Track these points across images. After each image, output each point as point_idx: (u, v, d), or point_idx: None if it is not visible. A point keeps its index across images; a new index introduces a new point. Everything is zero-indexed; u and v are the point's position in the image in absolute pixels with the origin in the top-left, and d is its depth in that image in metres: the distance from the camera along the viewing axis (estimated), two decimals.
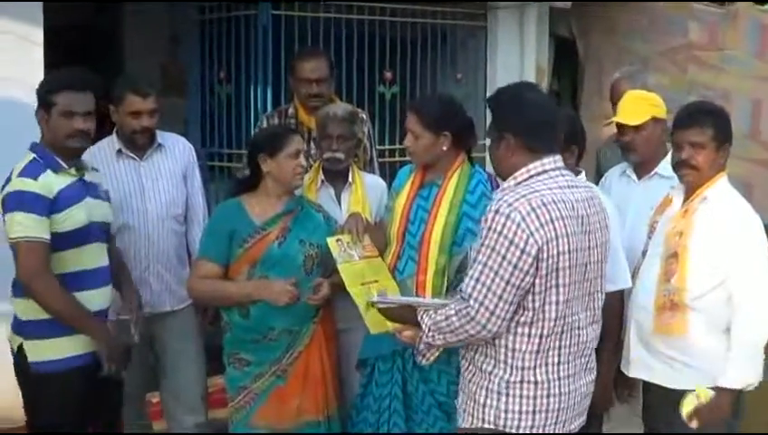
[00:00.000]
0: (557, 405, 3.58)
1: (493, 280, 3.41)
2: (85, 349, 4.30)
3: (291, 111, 5.78)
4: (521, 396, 3.54)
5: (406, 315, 3.79)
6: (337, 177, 5.10)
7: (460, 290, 3.57)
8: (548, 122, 3.66)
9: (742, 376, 4.03)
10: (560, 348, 3.57)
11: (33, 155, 4.24)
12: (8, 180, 4.21)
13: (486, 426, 3.59)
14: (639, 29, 8.69)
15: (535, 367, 3.54)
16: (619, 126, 4.91)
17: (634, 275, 4.38)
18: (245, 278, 4.59)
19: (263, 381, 4.60)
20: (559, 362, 3.58)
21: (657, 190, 4.59)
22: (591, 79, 8.88)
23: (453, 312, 3.51)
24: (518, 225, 3.38)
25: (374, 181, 5.30)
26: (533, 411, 3.55)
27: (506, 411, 3.55)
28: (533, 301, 3.48)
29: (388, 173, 6.50)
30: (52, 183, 4.16)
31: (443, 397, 4.41)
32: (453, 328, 3.51)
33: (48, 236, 4.12)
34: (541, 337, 3.52)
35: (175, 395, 5.28)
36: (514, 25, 8.39)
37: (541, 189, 3.49)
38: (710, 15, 8.42)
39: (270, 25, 7.00)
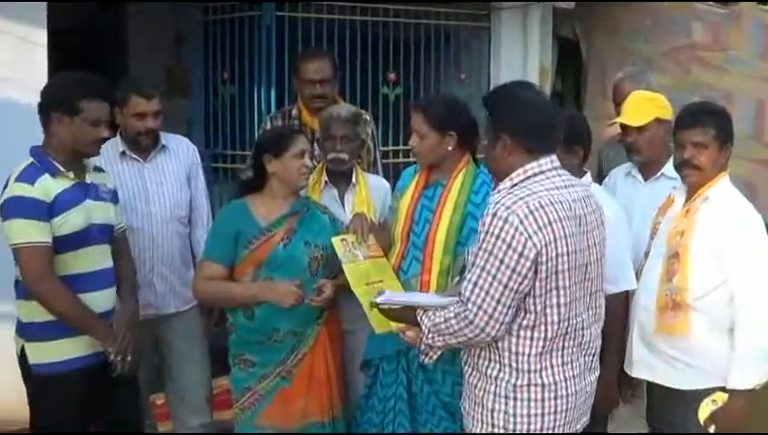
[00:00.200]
0: (564, 406, 3.58)
1: (491, 284, 3.40)
2: (87, 350, 4.30)
3: (294, 112, 5.78)
4: (529, 399, 3.53)
5: (407, 316, 3.77)
6: (340, 178, 5.10)
7: (459, 293, 3.56)
8: (545, 122, 3.65)
9: (749, 377, 4.03)
10: (563, 349, 3.57)
11: (32, 159, 4.23)
12: (6, 185, 4.20)
13: (496, 431, 3.58)
14: (643, 29, 8.69)
15: (541, 369, 3.53)
16: (623, 126, 4.91)
17: (637, 276, 4.38)
18: (250, 280, 4.58)
19: (267, 383, 4.59)
20: (564, 364, 3.57)
21: (664, 192, 4.57)
22: (595, 79, 8.88)
23: (452, 314, 3.50)
24: (516, 228, 3.36)
25: (378, 182, 5.30)
26: (542, 414, 3.54)
27: (515, 415, 3.54)
28: (535, 304, 3.47)
29: (392, 174, 6.52)
30: (49, 187, 4.15)
31: (447, 397, 4.41)
32: (452, 331, 3.50)
33: (49, 240, 4.13)
34: (545, 340, 3.51)
35: (179, 396, 5.28)
36: (518, 26, 8.40)
37: (538, 191, 3.47)
38: (713, 16, 8.42)
39: (274, 26, 7.00)
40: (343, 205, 5.07)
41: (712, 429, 4.06)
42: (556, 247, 3.41)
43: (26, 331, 4.29)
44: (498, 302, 3.40)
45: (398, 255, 4.58)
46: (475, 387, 3.64)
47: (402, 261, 4.55)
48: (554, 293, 3.47)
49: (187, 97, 8.13)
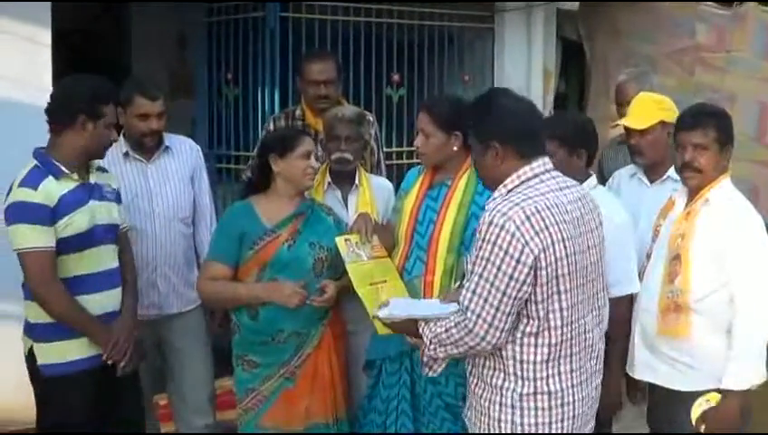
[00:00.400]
0: (572, 413, 3.55)
1: (489, 292, 3.37)
2: (92, 351, 4.32)
3: (298, 112, 5.78)
4: (536, 408, 3.49)
5: (409, 327, 3.73)
6: (344, 179, 5.10)
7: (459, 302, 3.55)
8: (531, 125, 3.64)
9: (745, 377, 4.02)
10: (571, 356, 3.53)
11: (35, 162, 4.24)
12: (10, 189, 4.21)
13: None
14: (646, 31, 8.69)
15: (548, 377, 3.49)
16: (627, 128, 4.91)
17: (640, 279, 4.39)
18: (255, 280, 4.58)
19: (271, 383, 4.59)
20: (572, 371, 3.54)
21: (669, 194, 4.57)
22: (598, 80, 8.89)
23: (453, 324, 3.47)
24: (513, 235, 3.33)
25: (381, 183, 5.30)
26: (550, 423, 3.50)
27: (522, 425, 3.50)
28: (537, 310, 3.43)
29: (396, 175, 6.52)
30: (53, 190, 4.15)
31: (450, 398, 4.41)
32: (453, 340, 3.46)
33: (53, 244, 4.14)
34: (549, 346, 3.47)
35: (182, 397, 5.28)
36: (521, 27, 8.41)
37: (533, 195, 3.44)
38: (717, 17, 8.43)
39: (277, 27, 7.00)
40: (347, 206, 5.06)
41: (702, 428, 4.06)
42: (555, 251, 3.39)
43: (34, 331, 4.31)
44: (497, 309, 3.37)
45: (402, 255, 4.59)
46: (481, 397, 3.60)
47: (406, 261, 4.56)
48: (556, 297, 3.44)
49: (190, 98, 8.14)
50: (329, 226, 4.74)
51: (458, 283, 4.28)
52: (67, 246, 4.20)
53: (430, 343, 3.55)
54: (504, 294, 3.36)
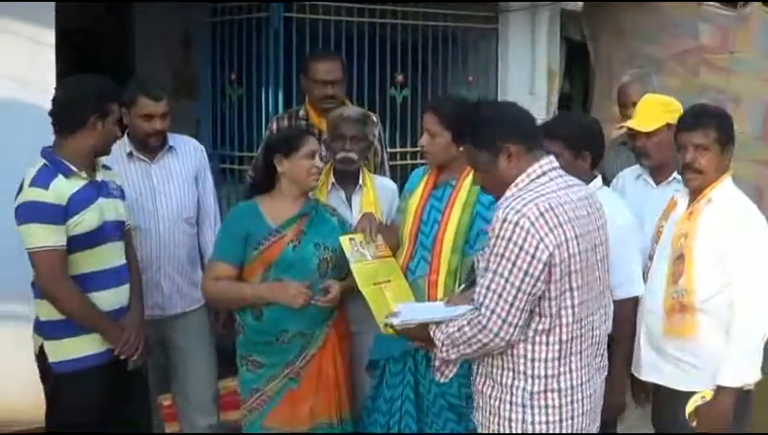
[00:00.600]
0: (581, 410, 3.57)
1: (504, 287, 3.38)
2: (102, 347, 4.36)
3: (301, 112, 5.78)
4: (546, 406, 3.51)
5: (421, 333, 3.72)
6: (347, 179, 5.09)
7: (472, 299, 3.55)
8: (530, 120, 3.72)
9: (739, 374, 4.04)
10: (581, 353, 3.56)
11: (44, 161, 4.26)
12: (21, 189, 4.24)
13: None
14: (650, 32, 8.69)
15: (558, 374, 3.51)
16: (632, 130, 4.90)
17: (644, 280, 4.38)
18: (260, 280, 4.58)
19: (276, 384, 4.58)
20: (581, 368, 3.57)
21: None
22: (602, 81, 8.88)
23: (465, 322, 3.47)
24: (527, 231, 3.35)
25: (385, 184, 5.29)
26: (560, 420, 3.52)
27: (533, 423, 3.51)
28: (550, 307, 3.45)
29: (399, 176, 6.51)
30: (63, 189, 4.19)
31: (454, 399, 4.40)
32: (466, 338, 3.46)
33: (64, 243, 4.18)
34: (560, 343, 3.50)
35: (186, 397, 5.28)
36: (526, 28, 8.40)
37: (546, 193, 3.47)
38: (721, 18, 8.42)
39: (281, 28, 7.00)
40: (350, 206, 5.06)
41: (694, 423, 4.08)
42: (568, 248, 3.41)
43: (44, 329, 4.34)
44: (512, 305, 3.38)
45: (406, 255, 4.58)
46: (490, 397, 3.60)
47: (410, 261, 4.56)
48: (568, 294, 3.46)
49: (194, 98, 8.15)
50: (333, 226, 4.73)
51: (462, 286, 4.29)
52: (77, 243, 4.23)
53: (442, 344, 3.55)
54: (518, 289, 3.37)
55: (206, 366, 5.26)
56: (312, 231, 4.64)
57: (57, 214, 4.15)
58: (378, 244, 4.63)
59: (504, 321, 3.39)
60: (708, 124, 4.18)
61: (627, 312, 4.28)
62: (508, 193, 3.55)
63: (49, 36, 5.78)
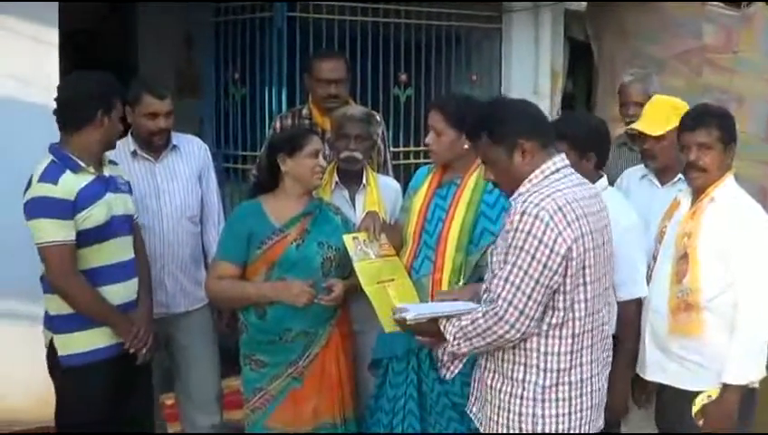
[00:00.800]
0: (589, 403, 3.62)
1: (522, 279, 3.42)
2: (111, 340, 4.40)
3: (305, 111, 5.78)
4: (557, 399, 3.55)
5: (430, 328, 3.74)
6: (351, 179, 5.09)
7: (487, 291, 3.59)
8: (543, 116, 3.81)
9: (744, 372, 4.04)
10: (591, 346, 3.61)
11: (52, 157, 4.29)
12: (29, 184, 4.27)
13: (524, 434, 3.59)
14: (654, 31, 8.68)
15: (570, 368, 3.56)
16: (639, 132, 4.88)
17: (648, 280, 4.38)
18: (263, 279, 4.57)
19: (279, 383, 4.58)
20: (591, 361, 3.62)
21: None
22: (605, 81, 8.88)
23: (480, 314, 3.50)
24: (546, 224, 3.40)
25: (388, 183, 5.30)
26: (569, 413, 3.57)
27: (543, 417, 3.55)
28: (565, 300, 3.50)
29: (402, 175, 6.51)
30: (71, 185, 4.22)
31: (457, 398, 4.38)
32: (480, 331, 3.50)
33: (73, 237, 4.23)
34: (573, 337, 3.54)
35: (189, 395, 5.29)
36: (529, 27, 8.40)
37: (561, 189, 3.53)
38: (725, 18, 8.41)
39: (285, 27, 7.00)
40: (354, 206, 5.06)
41: (701, 422, 4.09)
42: (583, 243, 3.47)
43: (54, 324, 4.38)
44: (529, 297, 3.42)
45: (410, 254, 4.57)
46: (500, 391, 3.63)
47: (414, 260, 4.55)
48: (581, 289, 3.52)
49: (197, 97, 8.14)
50: (337, 225, 4.73)
51: (462, 282, 4.30)
52: (86, 238, 4.28)
53: (454, 338, 3.58)
54: (536, 282, 3.42)
55: (209, 365, 5.26)
56: (315, 230, 4.64)
57: (66, 209, 4.19)
58: (381, 243, 4.63)
59: (521, 313, 3.43)
60: (711, 123, 4.20)
61: (630, 313, 4.29)
62: (522, 189, 3.59)
63: (52, 35, 5.78)
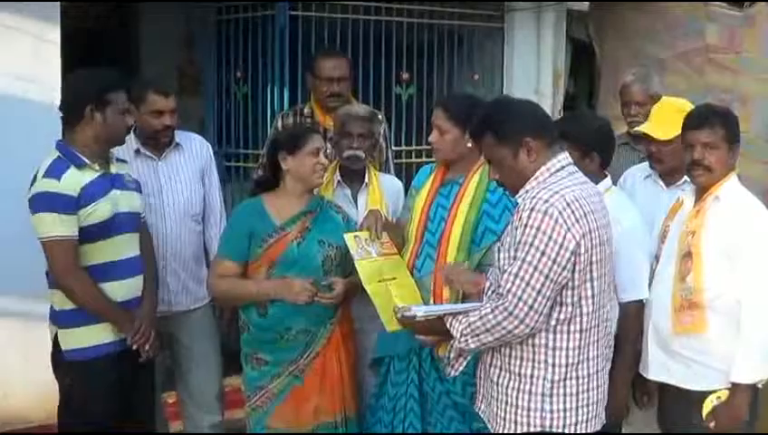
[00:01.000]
0: (595, 398, 3.68)
1: (532, 275, 3.46)
2: (114, 336, 4.42)
3: (306, 110, 5.80)
4: (565, 394, 3.60)
5: (435, 326, 3.78)
6: (354, 177, 5.10)
7: (492, 287, 3.64)
8: (545, 113, 3.89)
9: (753, 371, 4.04)
10: (597, 341, 3.66)
11: (58, 153, 4.33)
12: (34, 180, 4.31)
13: (533, 429, 3.62)
14: (656, 32, 8.67)
15: (578, 362, 3.60)
16: (646, 135, 4.86)
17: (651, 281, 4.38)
18: (264, 278, 4.57)
19: (280, 381, 4.58)
20: (596, 356, 3.67)
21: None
22: (608, 81, 8.85)
23: (488, 310, 3.54)
24: (556, 220, 3.45)
25: (391, 182, 5.30)
26: (577, 407, 3.62)
27: (552, 411, 3.61)
28: (572, 296, 3.55)
29: (404, 174, 6.51)
30: (75, 180, 4.26)
31: (458, 397, 4.39)
32: (489, 326, 3.53)
33: (76, 233, 4.26)
34: (581, 332, 3.59)
35: (190, 394, 5.29)
36: (531, 27, 8.39)
37: (568, 186, 3.57)
38: (727, 18, 8.39)
39: (287, 26, 6.99)
40: (356, 204, 5.06)
41: (712, 424, 4.08)
42: (591, 239, 3.52)
43: (59, 318, 4.42)
44: (538, 292, 3.46)
45: (412, 253, 4.56)
46: (507, 388, 3.67)
47: (416, 259, 4.54)
48: (588, 284, 3.57)
49: (199, 96, 8.14)
50: (338, 223, 4.72)
51: (467, 262, 4.31)
52: (90, 234, 4.30)
53: (461, 335, 3.61)
54: (546, 277, 3.46)
55: (210, 364, 5.27)
56: (316, 228, 4.64)
57: (69, 204, 4.22)
58: (383, 241, 4.61)
59: (530, 308, 3.47)
60: (715, 122, 4.20)
61: (632, 315, 4.29)
62: (528, 186, 3.64)
63: (54, 34, 5.78)
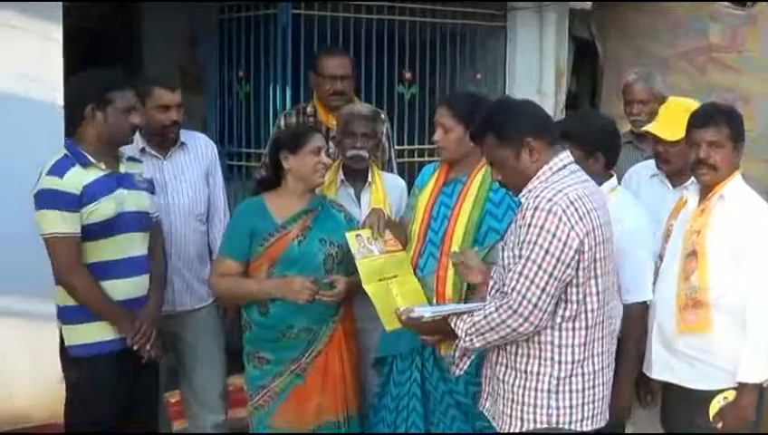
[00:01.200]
0: (601, 394, 3.71)
1: (536, 273, 3.48)
2: (116, 334, 4.43)
3: (309, 109, 5.80)
4: (571, 391, 3.63)
5: (439, 326, 3.81)
6: (357, 176, 5.09)
7: (495, 286, 3.66)
8: (545, 112, 3.91)
9: (760, 370, 4.04)
10: (602, 338, 3.69)
11: (65, 151, 4.37)
12: (39, 177, 4.33)
13: (539, 426, 3.65)
14: (659, 30, 8.66)
15: (584, 359, 3.63)
16: (653, 135, 4.84)
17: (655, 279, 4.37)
18: (265, 276, 4.58)
19: (282, 380, 4.59)
20: (602, 353, 3.70)
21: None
22: (610, 80, 8.85)
23: (493, 308, 3.56)
24: (560, 218, 3.47)
25: (394, 181, 5.30)
26: (583, 404, 3.65)
27: (558, 408, 3.63)
28: (577, 293, 3.58)
29: (407, 173, 6.50)
30: (78, 179, 4.28)
31: (461, 396, 4.40)
32: (493, 325, 3.55)
33: (77, 231, 4.28)
34: (586, 328, 3.62)
35: (194, 393, 5.29)
36: (534, 26, 8.38)
37: (571, 184, 3.59)
38: (730, 17, 8.39)
39: (290, 25, 6.99)
40: (359, 203, 5.06)
41: (720, 424, 4.08)
42: (595, 236, 3.55)
43: (63, 314, 4.46)
44: (543, 291, 3.49)
45: (415, 251, 4.57)
46: (513, 385, 3.69)
47: (419, 258, 4.54)
48: (593, 281, 3.59)
49: (201, 95, 8.14)
50: (340, 222, 4.73)
51: (476, 248, 4.29)
52: (92, 232, 4.33)
53: (466, 334, 3.63)
54: (550, 275, 3.49)
55: (214, 364, 5.27)
56: (317, 227, 4.64)
57: (71, 202, 4.25)
58: (386, 239, 4.61)
59: (534, 306, 3.49)
60: (720, 121, 4.19)
61: (636, 316, 4.30)
62: (531, 185, 3.66)
63: (57, 33, 5.77)
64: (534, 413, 3.64)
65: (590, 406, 3.66)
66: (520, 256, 3.53)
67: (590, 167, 4.18)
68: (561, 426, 3.63)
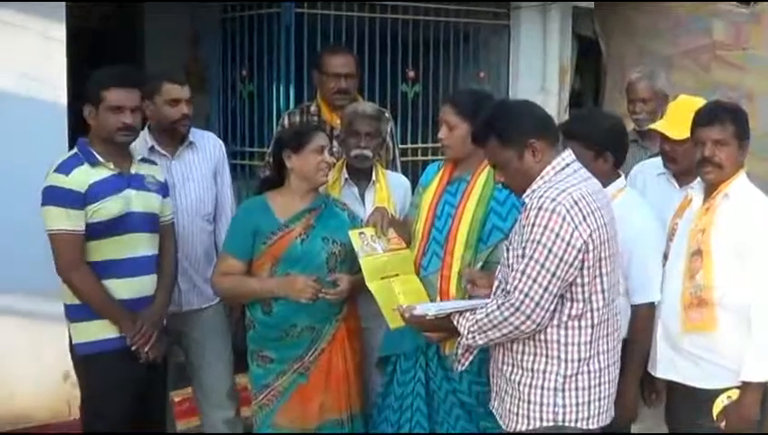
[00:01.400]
0: (607, 392, 3.72)
1: (539, 272, 3.49)
2: (119, 332, 4.44)
3: (313, 108, 5.78)
4: (577, 389, 3.64)
5: (441, 324, 3.82)
6: (361, 175, 5.09)
7: (500, 285, 3.67)
8: (544, 111, 3.90)
9: (764, 369, 4.02)
10: (608, 336, 3.70)
11: (76, 150, 4.41)
12: (48, 174, 4.36)
13: (545, 424, 3.66)
14: (663, 29, 8.67)
15: (590, 357, 3.64)
16: (660, 133, 4.82)
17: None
18: (268, 275, 4.57)
19: (285, 379, 4.59)
20: (608, 350, 3.71)
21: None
22: (614, 78, 8.86)
23: (495, 306, 3.57)
24: (563, 218, 3.48)
25: (398, 180, 5.30)
26: (589, 401, 3.66)
27: (564, 406, 3.65)
28: (583, 292, 3.59)
29: (410, 172, 6.50)
30: (84, 177, 4.32)
31: (465, 396, 4.39)
32: (496, 322, 3.56)
33: (81, 228, 4.31)
34: (592, 327, 3.63)
35: (203, 391, 5.29)
36: (537, 24, 8.39)
37: (574, 183, 3.60)
38: (734, 15, 8.38)
39: (293, 24, 6.99)
40: (364, 202, 5.06)
41: (723, 423, 4.07)
42: (599, 235, 3.55)
43: (69, 312, 4.49)
44: (545, 290, 3.50)
45: (419, 251, 4.55)
46: (519, 383, 3.70)
47: (423, 257, 4.53)
48: (598, 280, 3.60)
49: (204, 94, 8.13)
50: (343, 221, 4.72)
51: (480, 263, 4.30)
52: (95, 231, 4.35)
53: (468, 332, 3.65)
54: (553, 275, 3.50)
55: (222, 362, 5.27)
56: (320, 225, 4.64)
57: (75, 199, 4.28)
58: (390, 237, 4.60)
59: (536, 304, 3.51)
60: (725, 119, 4.17)
61: (643, 317, 4.28)
62: (534, 185, 3.67)
63: (60, 33, 5.77)
64: (541, 411, 3.65)
65: (597, 404, 3.67)
66: (523, 256, 3.54)
67: (599, 167, 4.17)
68: (567, 424, 3.64)
